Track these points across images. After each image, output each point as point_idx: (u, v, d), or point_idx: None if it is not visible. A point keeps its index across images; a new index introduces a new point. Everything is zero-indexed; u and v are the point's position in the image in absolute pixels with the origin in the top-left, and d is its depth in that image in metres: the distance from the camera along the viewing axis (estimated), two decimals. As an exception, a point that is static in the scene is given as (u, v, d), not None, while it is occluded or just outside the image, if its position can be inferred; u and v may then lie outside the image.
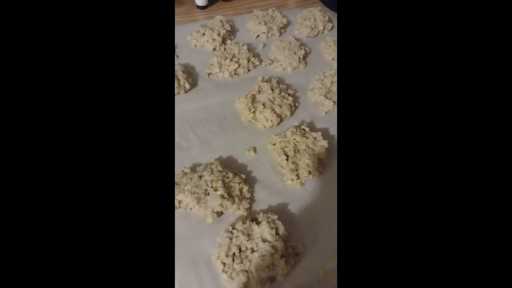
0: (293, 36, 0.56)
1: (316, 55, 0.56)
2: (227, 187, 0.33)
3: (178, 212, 0.34)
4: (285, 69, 0.52)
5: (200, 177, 0.34)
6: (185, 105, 0.45)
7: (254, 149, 0.40)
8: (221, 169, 0.35)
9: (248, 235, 0.30)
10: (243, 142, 0.41)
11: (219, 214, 0.33)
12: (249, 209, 0.34)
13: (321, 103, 0.46)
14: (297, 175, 0.37)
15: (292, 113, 0.45)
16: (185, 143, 0.40)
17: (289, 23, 0.62)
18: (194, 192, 0.32)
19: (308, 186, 0.37)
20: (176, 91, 0.45)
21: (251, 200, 0.35)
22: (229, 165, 0.38)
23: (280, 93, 0.45)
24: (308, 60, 0.55)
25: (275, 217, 0.32)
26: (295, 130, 0.40)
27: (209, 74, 0.50)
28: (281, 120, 0.44)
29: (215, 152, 0.40)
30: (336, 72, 0.48)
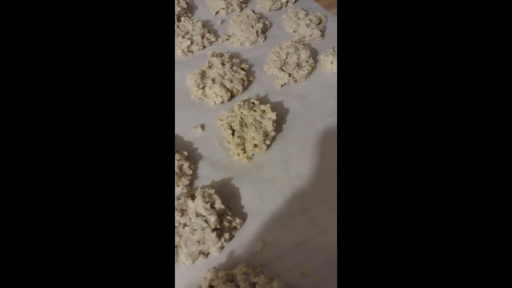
0: (252, 10, 0.53)
1: (278, 28, 0.53)
2: (164, 163, 0.32)
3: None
4: (242, 44, 0.50)
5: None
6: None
7: (202, 126, 0.39)
8: (160, 146, 0.33)
9: (182, 210, 0.29)
10: (191, 119, 0.39)
11: (157, 192, 0.32)
12: (189, 186, 0.33)
13: (276, 76, 0.44)
14: (244, 149, 0.36)
15: (246, 88, 0.43)
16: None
17: (251, -3, 0.59)
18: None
19: (255, 160, 0.36)
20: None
21: (193, 177, 0.34)
22: (174, 143, 0.37)
23: (231, 68, 0.43)
24: (269, 34, 0.52)
25: (212, 191, 0.30)
26: (242, 103, 0.38)
27: (162, 53, 0.48)
28: (233, 96, 0.42)
29: (162, 131, 0.38)
30: (292, 44, 0.46)
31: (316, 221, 0.31)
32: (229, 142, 0.36)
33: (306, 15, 0.53)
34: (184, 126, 0.39)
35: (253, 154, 0.36)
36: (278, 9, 0.58)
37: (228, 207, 0.31)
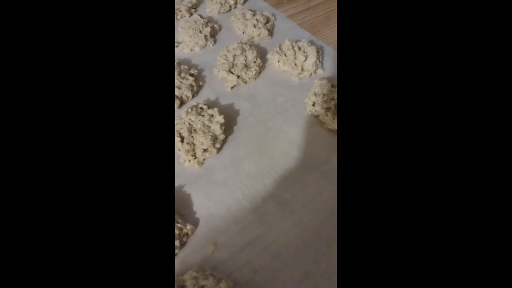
0: (199, 15, 0.54)
1: (227, 31, 0.54)
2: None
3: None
4: (192, 50, 0.50)
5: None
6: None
7: (153, 136, 0.39)
8: (107, 161, 0.33)
9: (131, 223, 0.29)
10: (142, 130, 0.40)
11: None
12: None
13: (225, 79, 0.45)
14: (194, 155, 0.36)
15: (196, 93, 0.44)
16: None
17: (199, 2, 0.59)
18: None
19: (207, 165, 0.36)
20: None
21: (144, 187, 0.34)
22: (124, 156, 0.37)
23: (179, 74, 0.43)
24: (219, 37, 0.53)
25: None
26: (190, 110, 0.38)
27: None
28: (182, 103, 0.42)
29: (112, 145, 0.38)
30: (239, 45, 0.47)
31: (266, 218, 0.32)
32: (179, 150, 0.36)
33: (253, 15, 0.53)
34: (134, 138, 0.39)
35: (204, 159, 0.37)
36: (227, 12, 0.58)
37: (180, 215, 0.31)
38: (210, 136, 0.36)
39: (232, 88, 0.45)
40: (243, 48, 0.46)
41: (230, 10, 0.58)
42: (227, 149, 0.38)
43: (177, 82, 0.42)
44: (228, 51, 0.47)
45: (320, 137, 0.39)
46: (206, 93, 0.44)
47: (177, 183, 0.35)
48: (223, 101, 0.43)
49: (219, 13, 0.57)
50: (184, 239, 0.30)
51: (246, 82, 0.45)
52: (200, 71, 0.47)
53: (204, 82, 0.45)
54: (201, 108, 0.39)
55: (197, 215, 0.32)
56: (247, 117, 0.41)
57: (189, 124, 0.37)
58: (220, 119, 0.38)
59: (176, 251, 0.29)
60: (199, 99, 0.43)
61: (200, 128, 0.37)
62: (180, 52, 0.50)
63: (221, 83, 0.45)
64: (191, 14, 0.57)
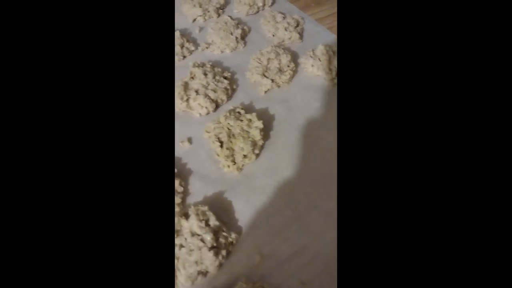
0: (229, 16, 0.53)
1: (257, 33, 0.53)
2: (153, 183, 0.32)
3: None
4: (223, 51, 0.49)
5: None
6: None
7: (189, 140, 0.38)
8: (147, 165, 0.33)
9: (177, 231, 0.29)
10: (177, 134, 0.39)
11: (149, 212, 0.31)
12: (181, 204, 0.32)
13: (259, 83, 0.44)
14: (233, 161, 0.35)
15: (230, 97, 0.43)
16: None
17: (227, 2, 0.59)
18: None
19: (246, 171, 0.36)
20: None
21: (185, 193, 0.33)
22: (161, 160, 0.36)
23: (214, 77, 0.42)
24: (248, 39, 0.52)
25: (205, 208, 0.30)
26: (228, 114, 0.38)
27: (141, 66, 0.47)
28: (218, 106, 0.42)
29: (148, 148, 0.37)
30: (273, 49, 0.46)
31: (310, 228, 0.31)
32: (218, 155, 0.36)
33: (284, 18, 0.53)
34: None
35: (243, 165, 0.36)
36: (255, 13, 0.57)
37: (223, 222, 0.31)
38: (250, 142, 0.36)
39: (265, 92, 0.44)
40: (277, 51, 0.46)
41: (257, 11, 0.58)
42: (266, 155, 0.37)
43: (212, 85, 0.42)
44: (261, 54, 0.46)
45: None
46: (240, 97, 0.43)
47: (216, 188, 0.34)
48: (257, 105, 0.43)
49: (247, 15, 0.57)
50: (230, 248, 0.29)
51: (279, 86, 0.45)
52: (232, 74, 0.46)
53: (237, 85, 0.45)
54: (239, 112, 0.39)
55: (239, 223, 0.32)
56: (282, 122, 0.41)
57: (228, 129, 0.37)
58: (259, 124, 0.37)
59: (222, 260, 0.28)
60: (234, 103, 0.42)
61: (239, 133, 0.36)
62: (211, 53, 0.49)
63: (254, 86, 0.45)
64: (219, 15, 0.56)
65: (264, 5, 0.58)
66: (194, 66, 0.43)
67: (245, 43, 0.51)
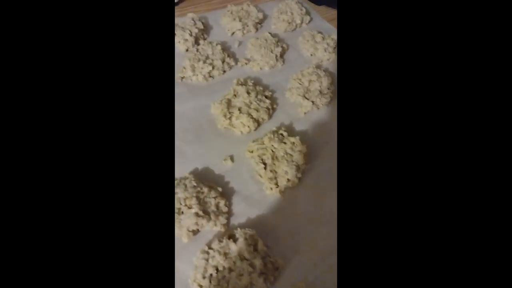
0: (269, 32, 0.53)
1: (295, 51, 0.54)
2: (202, 203, 0.32)
3: (152, 232, 0.32)
4: (262, 68, 0.50)
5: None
6: (157, 114, 0.43)
7: (231, 158, 0.39)
8: (195, 184, 0.33)
9: (225, 254, 0.29)
10: (219, 151, 0.39)
11: (195, 232, 0.32)
12: (226, 225, 0.33)
13: (300, 104, 0.45)
14: (276, 184, 0.36)
15: (270, 116, 0.43)
16: (158, 155, 0.39)
17: (265, 17, 0.59)
18: (167, 212, 0.31)
19: (288, 194, 0.36)
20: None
21: (229, 214, 0.34)
22: (205, 177, 0.37)
23: (256, 96, 0.43)
24: (286, 57, 0.53)
25: (253, 232, 0.31)
26: (272, 136, 0.38)
27: (182, 78, 0.47)
28: (259, 125, 0.42)
29: (191, 164, 0.38)
30: (314, 70, 0.47)
31: (353, 258, 0.32)
32: (261, 176, 0.36)
33: (323, 38, 0.53)
34: (214, 159, 0.38)
35: (285, 188, 0.36)
36: (292, 30, 0.58)
37: (267, 247, 0.31)
38: (294, 166, 0.36)
39: (305, 113, 0.44)
40: (318, 73, 0.46)
41: (295, 29, 0.58)
42: (308, 179, 0.38)
43: (255, 104, 0.42)
44: (302, 75, 0.46)
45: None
46: (281, 117, 0.44)
47: (259, 211, 0.35)
48: (297, 127, 0.43)
49: (284, 31, 0.57)
50: (276, 274, 0.30)
51: (319, 108, 0.45)
52: (272, 92, 0.47)
53: (277, 104, 0.45)
54: (282, 134, 0.39)
55: (283, 248, 0.32)
56: (323, 146, 0.41)
57: (272, 151, 0.37)
58: (303, 148, 0.37)
59: (270, 287, 0.29)
60: (275, 123, 0.43)
61: (283, 156, 0.37)
62: (250, 70, 0.50)
63: (293, 107, 0.45)
64: (257, 29, 0.57)
65: (302, 22, 0.58)
66: (237, 84, 0.44)
67: (283, 61, 0.52)
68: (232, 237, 0.31)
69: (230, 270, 0.28)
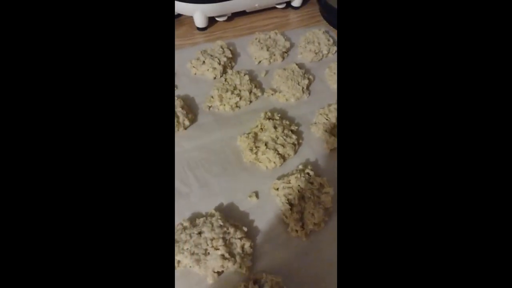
0: (296, 63, 0.54)
1: (321, 82, 0.54)
2: (227, 244, 0.32)
3: (176, 271, 0.32)
4: (288, 100, 0.50)
5: (200, 233, 0.32)
6: (184, 144, 0.43)
7: (257, 194, 0.39)
8: (221, 223, 0.33)
9: (250, 301, 0.29)
10: (245, 185, 0.39)
11: (220, 273, 0.32)
12: (250, 267, 0.32)
13: (326, 140, 0.44)
14: (302, 226, 0.35)
15: (295, 151, 0.43)
16: (184, 187, 0.39)
17: (292, 45, 0.60)
18: (193, 253, 0.31)
19: (313, 238, 0.36)
20: (175, 128, 0.43)
21: (253, 256, 0.34)
22: (231, 214, 0.37)
23: (283, 131, 0.43)
24: (312, 89, 0.53)
25: (279, 279, 0.30)
26: (299, 175, 0.38)
27: (210, 107, 0.48)
28: (284, 160, 0.42)
29: (216, 198, 0.38)
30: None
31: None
32: (286, 217, 0.36)
33: (350, 71, 0.53)
34: (239, 194, 0.38)
35: (310, 231, 0.36)
36: (319, 61, 0.58)
37: (292, 294, 0.31)
38: (321, 210, 0.35)
39: (330, 150, 0.44)
40: (345, 110, 0.46)
41: (321, 59, 0.58)
42: (333, 222, 0.37)
43: (281, 140, 0.42)
44: (329, 110, 0.46)
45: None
46: (306, 152, 0.44)
47: (284, 254, 0.34)
48: (323, 163, 0.43)
49: (311, 61, 0.57)
50: (300, 326, 0.29)
51: (344, 145, 0.45)
52: (297, 125, 0.47)
53: (302, 139, 0.45)
54: (308, 174, 0.39)
55: (307, 296, 0.32)
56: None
57: (298, 191, 0.37)
58: (331, 190, 0.37)
59: (293, 338, 0.28)
60: (300, 159, 0.43)
61: (310, 197, 0.36)
62: (276, 101, 0.50)
63: (319, 142, 0.45)
64: (283, 58, 0.57)
65: (328, 52, 0.58)
66: (264, 118, 0.44)
67: (309, 93, 0.52)
68: (258, 283, 0.30)
69: (255, 319, 0.28)
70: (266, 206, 0.38)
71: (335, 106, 0.47)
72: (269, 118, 0.44)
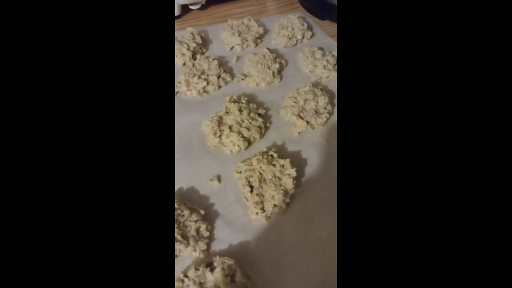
0: (268, 48, 0.52)
1: (294, 67, 0.53)
2: (181, 227, 0.31)
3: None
4: (258, 85, 0.49)
5: (153, 216, 0.31)
6: (148, 129, 0.42)
7: (219, 178, 0.37)
8: (176, 205, 0.32)
9: (201, 284, 0.28)
10: (207, 169, 0.38)
11: (173, 257, 0.31)
12: (206, 250, 0.31)
13: (294, 123, 0.43)
14: (262, 208, 0.34)
15: (262, 135, 0.42)
16: (145, 172, 0.38)
17: (266, 32, 0.59)
18: (143, 236, 0.30)
19: (274, 220, 0.34)
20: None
21: (210, 239, 0.32)
22: (189, 198, 0.35)
23: (249, 114, 0.42)
24: (284, 74, 0.52)
25: (232, 262, 0.29)
26: (261, 157, 0.37)
27: (177, 92, 0.47)
28: (250, 144, 0.41)
29: (176, 183, 0.37)
30: (310, 89, 0.45)
31: (339, 294, 0.30)
32: (247, 200, 0.35)
33: (323, 55, 0.52)
34: (201, 178, 0.37)
35: (271, 213, 0.35)
36: (293, 46, 0.57)
37: (247, 277, 0.29)
38: (282, 191, 0.34)
39: (299, 133, 0.43)
40: (314, 92, 0.45)
41: (296, 44, 0.57)
42: (296, 204, 0.36)
43: (246, 123, 0.41)
44: (298, 93, 0.45)
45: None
46: (273, 136, 0.42)
47: (242, 237, 0.33)
48: (290, 147, 0.41)
49: (285, 47, 0.56)
50: (253, 309, 0.28)
51: (314, 128, 0.44)
52: (266, 109, 0.45)
53: (270, 123, 0.44)
54: (271, 156, 0.38)
55: (265, 279, 0.30)
56: (316, 169, 0.39)
57: (260, 173, 0.36)
58: (292, 172, 0.36)
59: (245, 322, 0.27)
60: (266, 142, 0.41)
61: (271, 179, 0.35)
62: (246, 86, 0.49)
63: (287, 126, 0.44)
64: (257, 44, 0.56)
65: (303, 38, 0.57)
66: (230, 101, 0.43)
67: (281, 77, 0.50)
68: (210, 266, 0.29)
69: (204, 302, 0.27)
70: (228, 190, 0.37)
71: (304, 89, 0.45)
72: (234, 101, 0.43)
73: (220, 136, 0.40)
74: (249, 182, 0.35)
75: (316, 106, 0.44)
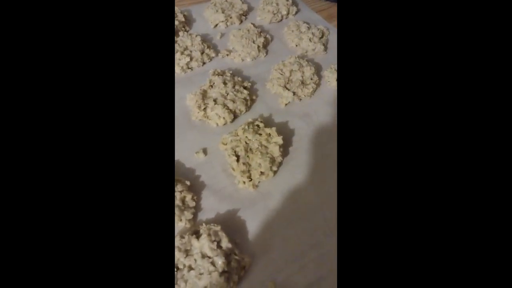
0: (252, 23, 0.51)
1: (279, 42, 0.52)
2: (165, 197, 0.30)
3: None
4: (243, 60, 0.48)
5: (136, 187, 0.30)
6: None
7: (204, 151, 0.37)
8: (160, 176, 0.31)
9: (186, 251, 0.27)
10: (192, 143, 0.37)
11: (158, 227, 0.30)
12: (193, 220, 0.31)
13: (280, 95, 0.42)
14: (249, 177, 0.34)
15: (248, 108, 0.41)
16: (128, 148, 0.37)
17: (250, 9, 0.57)
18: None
19: (261, 188, 0.34)
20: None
21: (197, 209, 0.32)
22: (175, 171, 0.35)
23: (234, 87, 0.41)
24: (270, 48, 0.51)
25: (218, 228, 0.28)
26: (247, 127, 0.36)
27: (160, 70, 0.46)
28: (236, 117, 0.40)
29: (161, 157, 0.36)
30: (296, 60, 0.44)
31: (329, 257, 0.29)
32: (233, 169, 0.34)
33: (308, 28, 0.51)
34: (186, 152, 0.36)
35: (259, 182, 0.34)
36: (278, 22, 0.56)
37: (235, 244, 0.29)
38: (268, 158, 0.34)
39: (286, 104, 0.42)
40: (300, 63, 0.44)
41: (281, 20, 0.56)
42: (284, 172, 0.35)
43: (231, 95, 0.40)
44: (284, 65, 0.44)
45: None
46: (260, 108, 0.42)
47: (230, 205, 0.32)
48: (277, 119, 0.41)
49: (270, 23, 0.55)
50: (241, 274, 0.27)
51: (301, 100, 0.43)
52: (252, 84, 0.45)
53: (256, 96, 0.43)
54: (258, 125, 0.37)
55: (252, 245, 0.30)
56: (302, 138, 0.39)
57: (246, 142, 0.35)
58: (279, 140, 0.35)
59: (233, 287, 0.26)
60: (253, 114, 0.41)
61: (257, 148, 0.35)
62: (231, 61, 0.48)
63: (274, 98, 0.43)
64: (241, 21, 0.55)
65: (288, 13, 0.56)
66: (214, 74, 0.42)
67: (266, 52, 0.50)
68: (196, 233, 0.29)
69: (190, 268, 0.26)
70: (214, 161, 0.36)
71: (290, 60, 0.45)
72: (218, 74, 0.42)
73: (204, 109, 0.39)
74: (235, 152, 0.35)
75: (302, 77, 0.43)
